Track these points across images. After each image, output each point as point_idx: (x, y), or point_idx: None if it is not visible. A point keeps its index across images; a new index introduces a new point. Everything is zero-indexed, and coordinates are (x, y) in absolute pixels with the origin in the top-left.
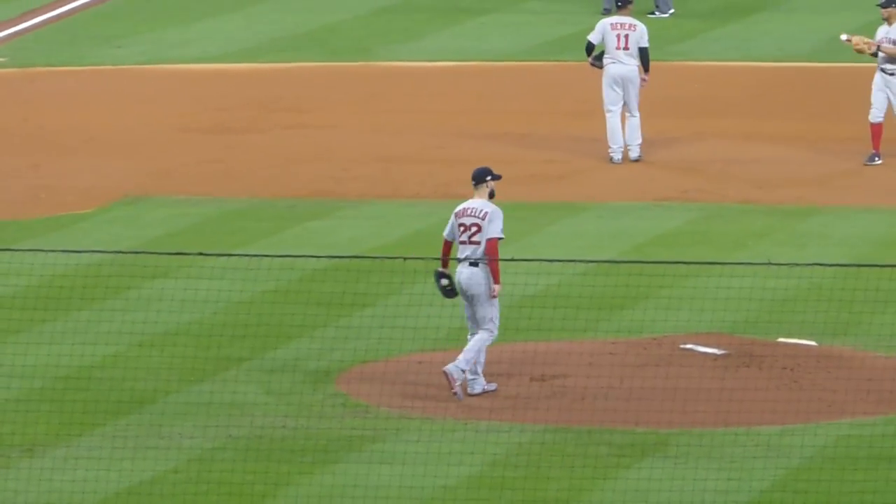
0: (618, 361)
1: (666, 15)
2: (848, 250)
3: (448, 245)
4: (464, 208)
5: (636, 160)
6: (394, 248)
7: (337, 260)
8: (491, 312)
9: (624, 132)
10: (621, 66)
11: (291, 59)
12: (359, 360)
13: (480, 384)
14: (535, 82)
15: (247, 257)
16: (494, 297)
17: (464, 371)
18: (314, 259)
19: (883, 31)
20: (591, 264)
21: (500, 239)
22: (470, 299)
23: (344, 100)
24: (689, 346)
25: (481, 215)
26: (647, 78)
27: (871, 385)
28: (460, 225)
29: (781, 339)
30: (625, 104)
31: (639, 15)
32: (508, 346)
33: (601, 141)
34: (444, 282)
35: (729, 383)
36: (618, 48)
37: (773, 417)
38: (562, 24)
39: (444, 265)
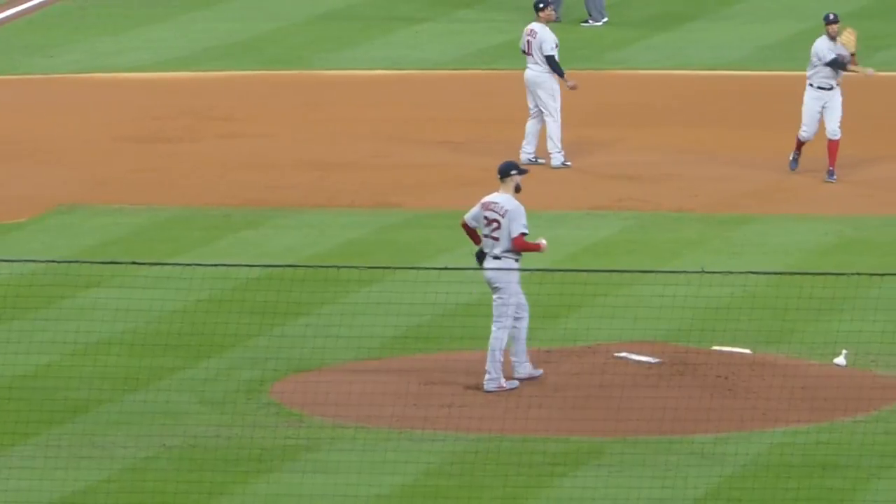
0: (552, 370)
1: (599, 23)
2: (782, 258)
3: (467, 228)
4: (488, 201)
5: (556, 168)
6: (328, 258)
7: (271, 269)
8: (515, 298)
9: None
10: (528, 70)
11: (226, 67)
12: (293, 370)
13: (496, 382)
14: (470, 90)
15: (181, 266)
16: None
17: (494, 375)
18: (248, 268)
19: (827, 47)
20: (525, 273)
21: (524, 234)
22: (494, 290)
23: (279, 108)
24: (623, 354)
25: (501, 212)
26: (570, 83)
27: (806, 393)
28: (484, 217)
29: (716, 348)
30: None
31: (573, 23)
32: (443, 355)
33: (539, 149)
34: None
35: (663, 391)
36: (525, 53)
37: (708, 426)
38: (496, 32)
39: (477, 242)
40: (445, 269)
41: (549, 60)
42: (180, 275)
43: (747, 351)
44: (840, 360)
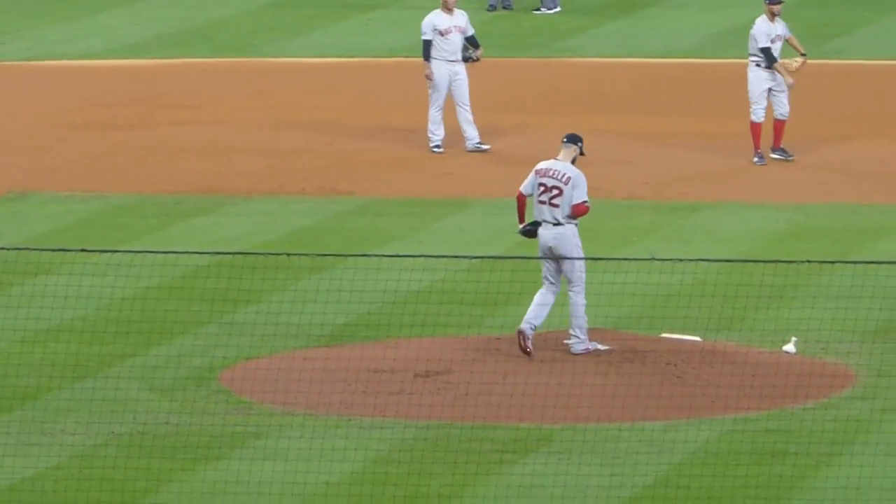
0: (502, 357)
1: (552, 11)
2: (733, 246)
3: (524, 200)
4: (547, 168)
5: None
6: (279, 245)
7: (221, 256)
8: (580, 265)
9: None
10: None
11: (178, 55)
12: (243, 357)
13: (584, 345)
14: (422, 78)
15: (131, 253)
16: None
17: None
18: (198, 255)
19: (764, 31)
20: (476, 260)
21: (586, 202)
22: (558, 257)
23: (230, 96)
24: (573, 341)
25: (564, 179)
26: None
27: (755, 380)
28: (541, 184)
29: (665, 335)
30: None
31: (525, 11)
32: (393, 342)
33: (492, 137)
34: (529, 228)
35: (613, 379)
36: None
37: (657, 413)
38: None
39: (522, 221)
40: (396, 256)
41: (471, 38)
42: (130, 262)
43: (697, 338)
44: (790, 347)
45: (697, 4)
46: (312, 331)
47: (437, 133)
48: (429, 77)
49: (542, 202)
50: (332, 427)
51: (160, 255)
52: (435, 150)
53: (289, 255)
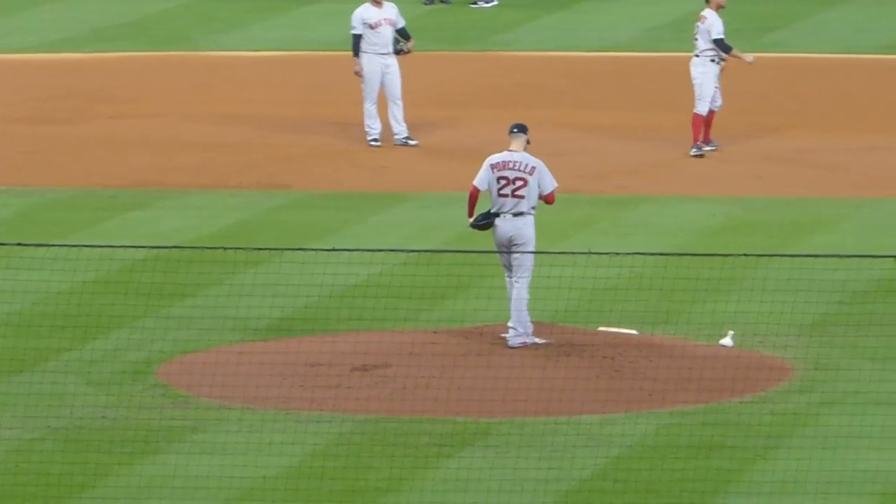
0: (440, 351)
1: (488, 5)
2: (669, 239)
3: (478, 194)
4: (504, 161)
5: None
6: (216, 239)
7: (158, 250)
8: (531, 259)
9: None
10: None
11: (114, 48)
12: (180, 351)
13: (521, 338)
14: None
15: (67, 247)
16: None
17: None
18: (135, 249)
19: (719, 20)
20: (413, 254)
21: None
22: (515, 248)
23: (167, 90)
24: (511, 334)
25: (528, 170)
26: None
27: (692, 374)
28: (501, 178)
29: (602, 328)
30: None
31: (462, 5)
32: (330, 336)
33: (428, 130)
34: (482, 221)
35: (550, 372)
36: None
37: (595, 406)
38: None
39: (471, 215)
40: (333, 250)
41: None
42: (66, 256)
43: (634, 332)
44: (727, 341)
45: None
46: (249, 325)
47: (373, 127)
48: (358, 74)
49: (503, 195)
50: (270, 421)
51: (96, 250)
52: (373, 143)
53: (225, 248)
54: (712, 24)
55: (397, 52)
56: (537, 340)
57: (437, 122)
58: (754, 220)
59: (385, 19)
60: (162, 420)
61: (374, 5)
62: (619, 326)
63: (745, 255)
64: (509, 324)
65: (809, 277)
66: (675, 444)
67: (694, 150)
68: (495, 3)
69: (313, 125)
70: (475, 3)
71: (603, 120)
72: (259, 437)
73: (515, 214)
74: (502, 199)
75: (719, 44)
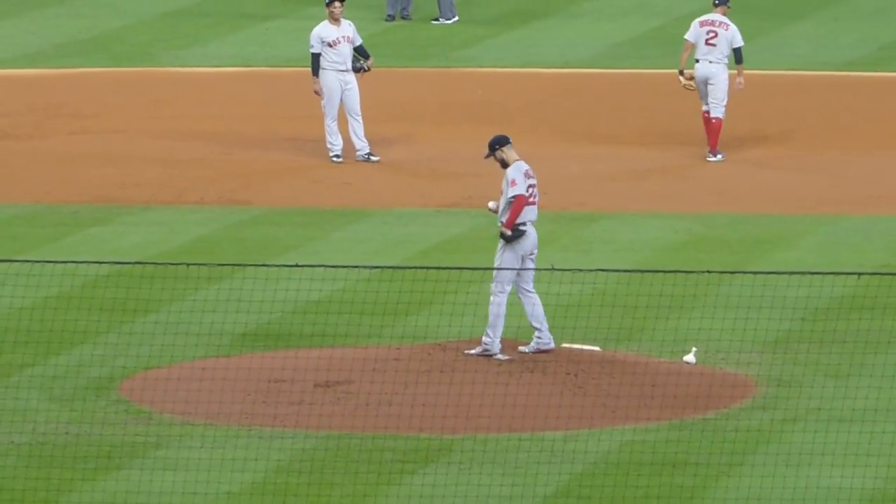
0: (402, 367)
1: (450, 21)
2: (632, 256)
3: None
4: (528, 168)
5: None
6: (177, 255)
7: (120, 266)
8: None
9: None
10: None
11: (75, 64)
12: (142, 367)
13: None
14: None
15: (29, 263)
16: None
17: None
18: (97, 265)
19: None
20: (375, 270)
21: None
22: (532, 256)
23: (128, 105)
24: (473, 351)
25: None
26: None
27: (655, 390)
28: (531, 186)
29: (566, 345)
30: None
31: (423, 21)
32: (292, 352)
33: (390, 147)
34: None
35: (513, 389)
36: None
37: (558, 423)
38: None
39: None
40: (295, 266)
41: (359, 48)
42: (29, 272)
43: (597, 348)
44: (690, 357)
45: (594, 15)
46: (212, 341)
47: (335, 143)
48: (318, 93)
49: (532, 203)
50: (233, 437)
51: (58, 265)
52: (335, 160)
53: (187, 265)
54: (735, 32)
55: (357, 70)
56: (500, 357)
57: (399, 138)
58: (716, 237)
59: (343, 37)
60: (125, 436)
61: (332, 23)
62: (582, 343)
63: (707, 271)
64: (536, 333)
65: (772, 294)
66: (638, 461)
67: (720, 156)
68: (456, 19)
69: (274, 141)
70: (436, 20)
71: (564, 136)
72: (221, 454)
73: (533, 222)
74: (531, 207)
75: (740, 53)
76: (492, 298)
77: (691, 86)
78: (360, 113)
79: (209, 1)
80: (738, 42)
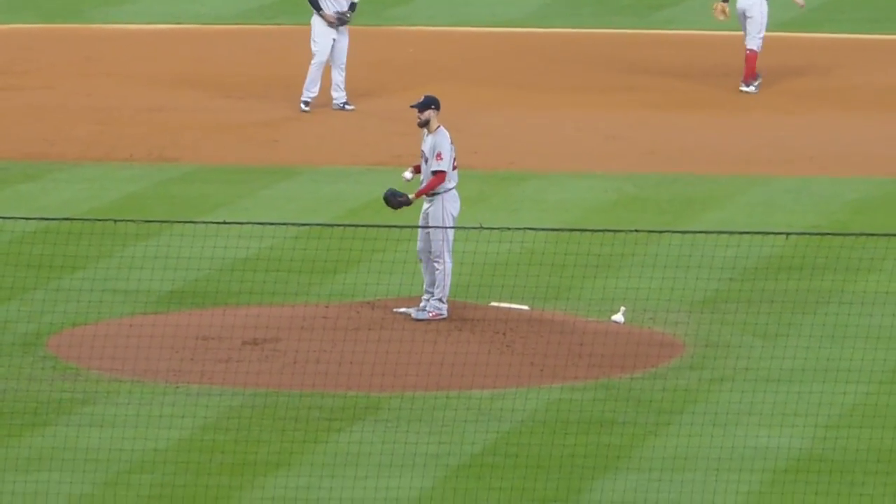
0: (330, 325)
1: None
2: (561, 215)
3: None
4: (450, 138)
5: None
6: (107, 211)
7: (48, 222)
8: None
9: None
10: None
11: (3, 20)
12: (70, 323)
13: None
14: (250, 45)
15: None
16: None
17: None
18: (25, 221)
19: None
20: (304, 228)
21: None
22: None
23: (58, 62)
24: (402, 309)
25: None
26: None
27: (583, 349)
28: (454, 158)
29: (494, 304)
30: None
31: None
32: (220, 310)
33: (321, 105)
34: None
35: (441, 347)
36: None
37: (486, 381)
38: None
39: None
40: (224, 223)
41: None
42: None
43: (525, 307)
44: (618, 317)
45: None
46: (140, 298)
47: (312, 91)
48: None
49: (455, 168)
50: (160, 394)
51: None
52: (304, 108)
53: (115, 221)
54: None
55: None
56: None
57: (330, 96)
58: (646, 197)
59: None
60: (52, 392)
61: None
62: (510, 302)
63: (636, 231)
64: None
65: (700, 254)
66: (565, 420)
67: (754, 86)
68: None
69: (204, 99)
70: None
71: (495, 96)
72: (149, 410)
73: None
74: (453, 173)
75: None
76: (437, 264)
77: (723, 18)
78: (345, 64)
79: None
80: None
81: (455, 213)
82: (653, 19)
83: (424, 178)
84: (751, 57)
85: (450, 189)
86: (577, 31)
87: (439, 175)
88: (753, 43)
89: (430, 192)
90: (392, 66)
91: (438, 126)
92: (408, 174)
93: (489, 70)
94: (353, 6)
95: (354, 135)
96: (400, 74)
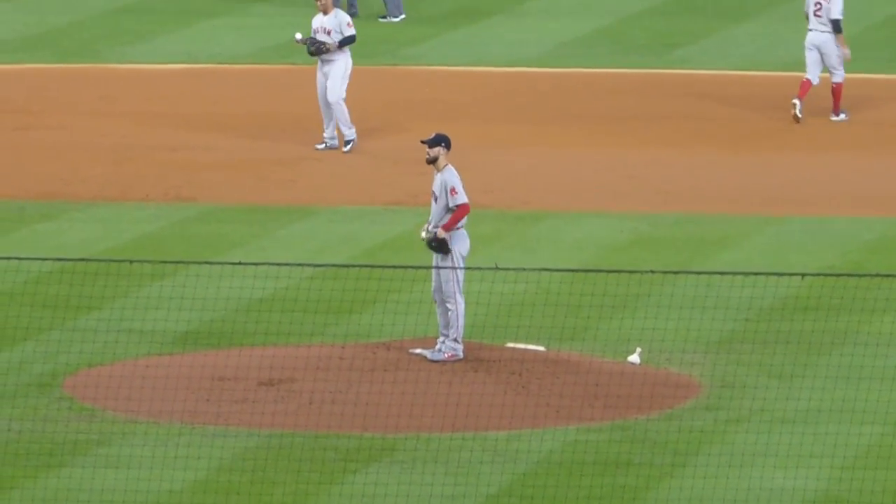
0: (346, 366)
1: (397, 19)
2: (577, 255)
3: None
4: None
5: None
6: (123, 251)
7: (64, 263)
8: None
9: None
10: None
11: (21, 60)
12: (86, 364)
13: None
14: (266, 84)
15: None
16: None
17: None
18: (41, 261)
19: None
20: (320, 268)
21: None
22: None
23: (74, 102)
24: (417, 350)
25: None
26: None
27: (599, 390)
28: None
29: (510, 344)
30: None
31: (370, 19)
32: (236, 350)
33: (334, 146)
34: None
35: (457, 388)
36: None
37: (502, 422)
38: (291, 27)
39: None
40: (240, 263)
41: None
42: None
43: (541, 348)
44: (634, 357)
45: (541, 14)
46: (156, 338)
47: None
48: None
49: None
50: (176, 435)
51: (3, 261)
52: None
53: (132, 261)
54: (835, 3)
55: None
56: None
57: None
58: (661, 237)
59: (321, 28)
60: (67, 433)
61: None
62: (526, 342)
63: (651, 271)
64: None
65: (716, 294)
66: (581, 461)
67: (842, 115)
68: (403, 17)
69: (220, 138)
70: (384, 17)
71: (511, 135)
72: (165, 451)
73: None
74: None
75: (838, 24)
76: (450, 305)
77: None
78: (331, 104)
79: None
80: (834, 14)
81: (465, 253)
82: (668, 58)
83: (434, 216)
84: (836, 89)
85: (458, 228)
86: (591, 71)
87: (462, 207)
88: (837, 76)
89: (455, 227)
90: (407, 106)
91: (447, 164)
92: (298, 35)
93: (504, 109)
94: (311, 41)
95: (370, 174)
96: (415, 114)
